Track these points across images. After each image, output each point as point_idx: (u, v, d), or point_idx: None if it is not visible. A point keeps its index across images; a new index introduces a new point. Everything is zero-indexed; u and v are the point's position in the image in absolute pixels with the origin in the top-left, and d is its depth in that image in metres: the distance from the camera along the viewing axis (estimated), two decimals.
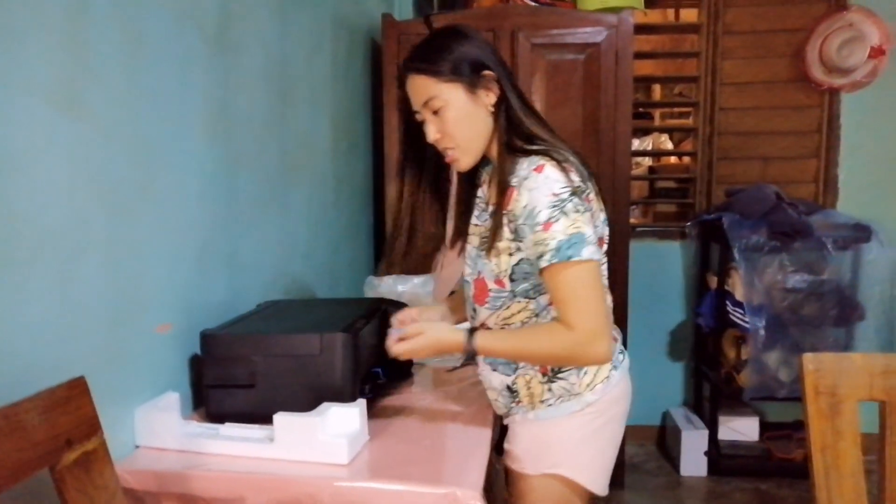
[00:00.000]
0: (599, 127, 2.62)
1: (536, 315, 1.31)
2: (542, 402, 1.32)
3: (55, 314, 1.01)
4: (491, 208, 1.29)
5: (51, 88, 0.99)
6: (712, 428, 3.11)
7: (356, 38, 2.66)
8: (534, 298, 1.29)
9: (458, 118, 1.26)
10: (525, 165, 1.22)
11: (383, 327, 1.63)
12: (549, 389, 1.31)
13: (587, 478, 1.32)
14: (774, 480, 3.02)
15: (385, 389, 1.58)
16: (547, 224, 1.16)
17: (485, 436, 1.32)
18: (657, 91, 4.05)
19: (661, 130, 4.02)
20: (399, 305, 1.69)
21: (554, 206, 1.16)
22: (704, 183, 3.37)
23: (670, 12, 3.78)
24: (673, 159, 4.01)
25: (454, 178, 1.46)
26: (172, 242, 1.33)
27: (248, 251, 1.67)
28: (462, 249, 1.44)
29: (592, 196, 1.27)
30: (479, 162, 1.34)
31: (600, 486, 1.34)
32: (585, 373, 1.31)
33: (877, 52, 3.13)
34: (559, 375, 1.30)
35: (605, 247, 1.32)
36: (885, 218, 3.08)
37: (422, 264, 2.30)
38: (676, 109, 4.07)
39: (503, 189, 1.24)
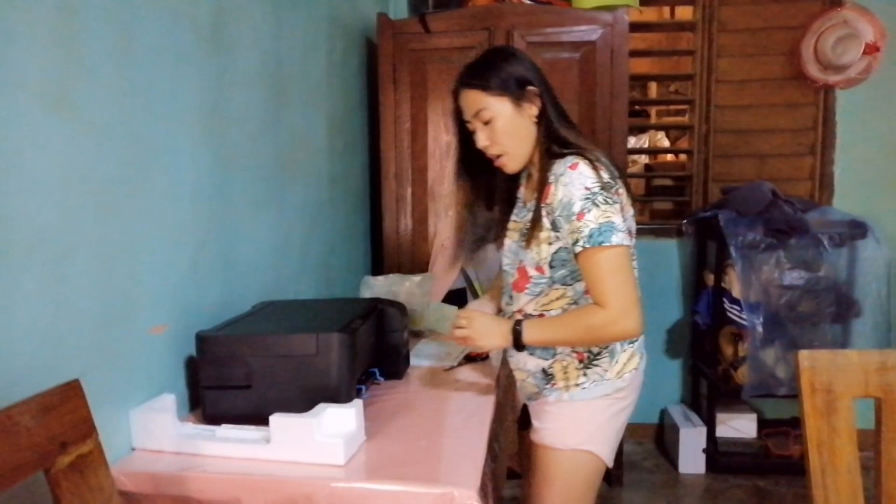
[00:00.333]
0: (595, 125, 2.62)
1: (575, 302, 1.45)
2: (576, 385, 1.47)
3: (48, 316, 1.01)
4: (530, 204, 1.47)
5: (42, 88, 0.99)
6: (710, 425, 3.11)
7: (352, 38, 2.66)
8: (570, 285, 1.44)
9: (506, 127, 1.43)
10: (561, 164, 1.38)
11: (379, 327, 1.63)
12: (585, 374, 1.47)
13: (608, 454, 1.50)
14: (772, 477, 3.03)
15: (382, 390, 1.58)
16: (580, 214, 1.32)
17: (482, 436, 1.32)
18: (653, 89, 4.05)
19: (658, 128, 4.03)
20: (395, 305, 1.69)
21: (586, 199, 1.32)
22: (701, 180, 3.37)
23: (665, 10, 3.79)
24: (669, 157, 4.01)
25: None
26: (166, 243, 1.33)
27: (243, 251, 1.67)
28: (501, 244, 1.60)
29: (622, 191, 1.41)
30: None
31: (611, 461, 1.52)
32: (616, 361, 1.47)
33: (871, 49, 3.13)
34: (594, 362, 1.46)
35: (633, 240, 1.44)
36: (881, 214, 3.09)
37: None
38: (672, 107, 4.07)
39: (542, 186, 1.40)
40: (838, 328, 2.99)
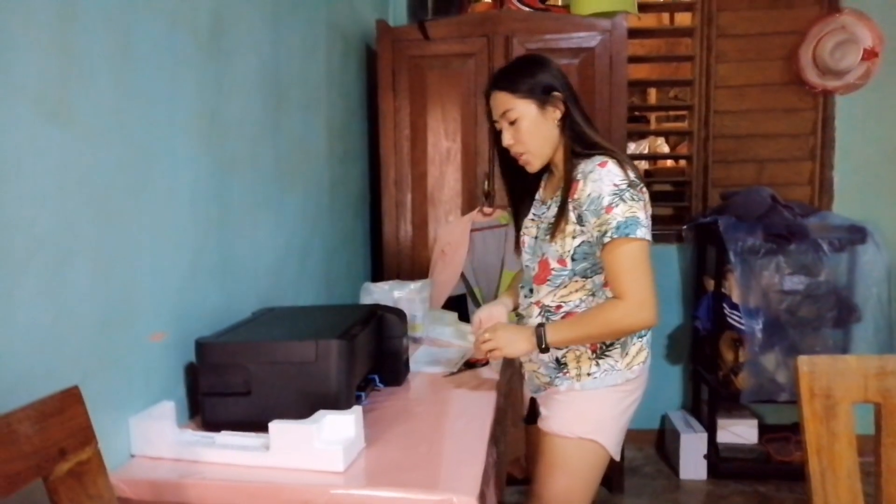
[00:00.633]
0: None
1: (593, 294, 1.53)
2: (588, 374, 1.53)
3: (47, 322, 1.01)
4: (549, 202, 1.58)
5: (41, 94, 0.99)
6: (711, 431, 3.11)
7: (351, 44, 2.67)
8: (590, 278, 1.52)
9: (529, 128, 1.52)
10: (590, 163, 1.47)
11: (379, 334, 1.63)
12: (597, 364, 1.53)
13: (614, 446, 1.56)
14: (773, 483, 3.02)
15: (382, 396, 1.58)
16: (609, 208, 1.41)
17: (482, 442, 1.32)
18: (653, 95, 4.06)
19: (657, 134, 4.03)
20: (395, 311, 1.69)
21: (615, 195, 1.41)
22: (700, 186, 3.38)
23: (664, 16, 3.80)
24: (669, 162, 4.02)
25: None
26: (165, 249, 1.33)
27: (242, 258, 1.67)
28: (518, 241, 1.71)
29: (645, 190, 1.49)
30: (540, 169, 1.60)
31: (617, 454, 1.58)
32: (627, 353, 1.53)
33: (870, 55, 3.14)
34: (606, 353, 1.53)
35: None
36: (881, 219, 3.08)
37: None
38: (672, 113, 4.08)
39: (569, 184, 1.49)
40: (839, 333, 2.99)
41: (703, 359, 3.25)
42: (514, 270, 2.49)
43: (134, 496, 1.12)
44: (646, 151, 4.07)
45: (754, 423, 3.19)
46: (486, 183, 2.70)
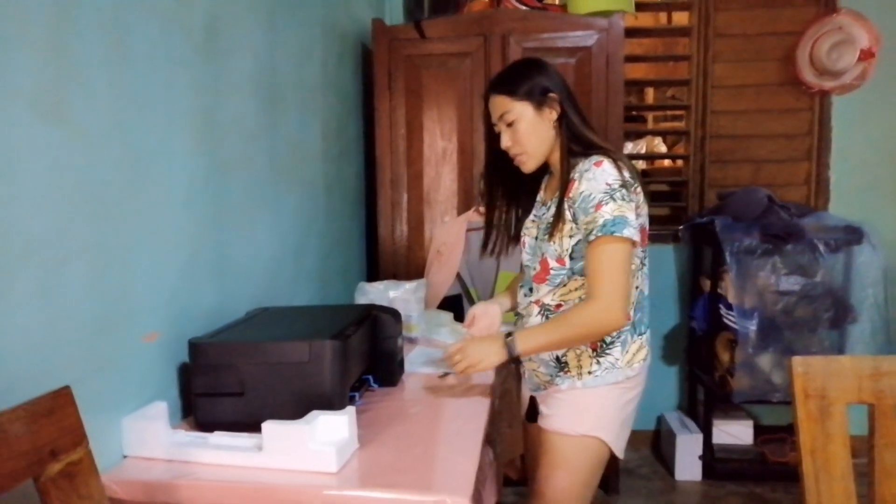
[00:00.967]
0: None
1: None
2: (589, 372, 1.54)
3: (40, 323, 1.01)
4: (549, 203, 1.59)
5: (36, 95, 0.99)
6: (707, 432, 3.11)
7: (347, 44, 2.66)
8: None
9: (526, 129, 1.54)
10: (586, 162, 1.48)
11: (374, 334, 1.62)
12: (598, 362, 1.54)
13: (617, 443, 1.56)
14: (769, 484, 3.02)
15: (376, 396, 1.57)
16: (598, 205, 1.42)
17: (476, 443, 1.31)
18: (650, 94, 4.06)
19: (654, 133, 4.03)
20: (390, 311, 1.68)
21: (605, 193, 1.42)
22: (697, 186, 3.38)
23: (661, 16, 3.79)
24: (666, 162, 4.02)
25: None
26: (159, 250, 1.33)
27: (237, 258, 1.66)
28: (520, 242, 1.70)
29: (640, 190, 1.51)
30: (540, 170, 1.63)
31: (621, 452, 1.58)
32: (627, 351, 1.54)
33: (866, 55, 3.14)
34: (607, 351, 1.53)
35: (647, 238, 1.54)
36: (877, 220, 3.09)
37: None
38: (669, 112, 4.08)
39: (566, 183, 1.50)
40: (835, 334, 2.99)
41: (699, 359, 3.25)
42: (511, 271, 2.49)
43: (126, 497, 1.11)
44: (643, 151, 4.06)
45: (750, 423, 3.19)
46: (482, 183, 2.69)
